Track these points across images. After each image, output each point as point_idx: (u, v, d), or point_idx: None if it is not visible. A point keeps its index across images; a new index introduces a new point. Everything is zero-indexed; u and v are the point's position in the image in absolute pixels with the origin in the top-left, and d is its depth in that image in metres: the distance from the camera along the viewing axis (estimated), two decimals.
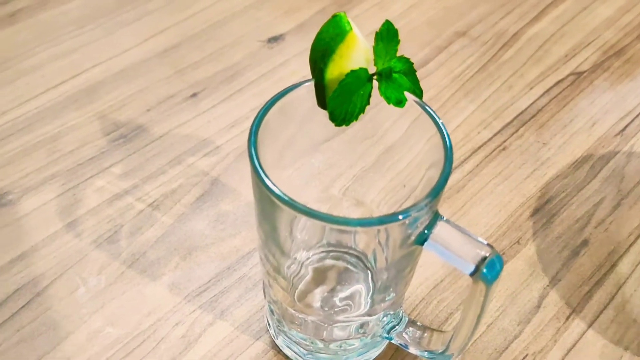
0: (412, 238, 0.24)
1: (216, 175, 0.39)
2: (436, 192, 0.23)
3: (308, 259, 0.31)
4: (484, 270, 0.23)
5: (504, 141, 0.41)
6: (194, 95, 0.43)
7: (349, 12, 0.49)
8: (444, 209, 0.37)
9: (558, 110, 0.43)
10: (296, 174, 0.31)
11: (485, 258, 0.23)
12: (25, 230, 0.36)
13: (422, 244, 0.24)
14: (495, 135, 0.42)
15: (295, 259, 0.30)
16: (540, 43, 0.48)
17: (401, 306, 0.30)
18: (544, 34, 0.48)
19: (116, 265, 0.35)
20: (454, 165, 0.40)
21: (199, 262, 0.35)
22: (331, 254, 0.32)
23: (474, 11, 0.50)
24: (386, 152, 0.31)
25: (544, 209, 0.38)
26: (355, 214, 0.33)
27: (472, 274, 0.23)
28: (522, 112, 0.43)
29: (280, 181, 0.26)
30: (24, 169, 0.39)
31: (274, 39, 0.47)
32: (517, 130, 0.42)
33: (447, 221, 0.24)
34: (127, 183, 0.38)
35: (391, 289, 0.27)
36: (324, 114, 0.27)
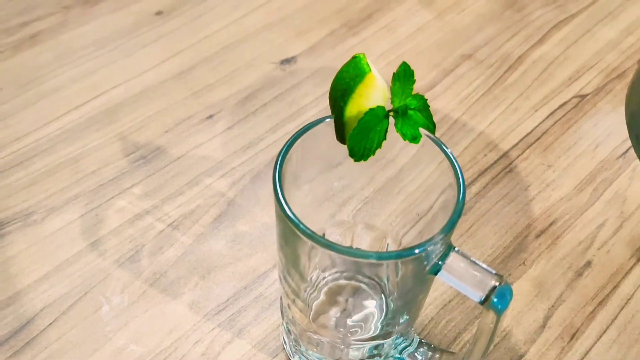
0: (427, 269, 0.25)
1: (232, 197, 0.40)
2: (450, 226, 0.25)
3: (324, 279, 0.32)
4: (494, 300, 0.25)
5: (510, 163, 0.43)
6: (210, 117, 0.44)
7: (358, 34, 0.50)
8: None
9: (562, 132, 0.45)
10: (309, 195, 0.32)
11: (495, 287, 0.25)
12: (50, 250, 0.37)
13: (435, 274, 0.25)
14: (501, 157, 0.43)
15: (311, 280, 0.31)
16: (544, 66, 0.49)
17: (413, 327, 0.31)
18: (548, 57, 0.50)
19: (138, 284, 0.36)
20: None
21: (218, 282, 0.36)
22: (344, 274, 0.33)
23: (479, 34, 0.51)
24: (396, 176, 0.32)
25: (548, 231, 0.39)
26: (367, 237, 0.34)
27: (482, 303, 0.25)
28: (527, 135, 0.44)
29: (295, 202, 0.28)
30: (48, 190, 0.40)
31: (286, 61, 0.48)
32: (522, 153, 0.43)
33: (459, 252, 0.26)
34: (147, 203, 0.40)
35: (405, 313, 0.29)
36: (338, 143, 0.28)
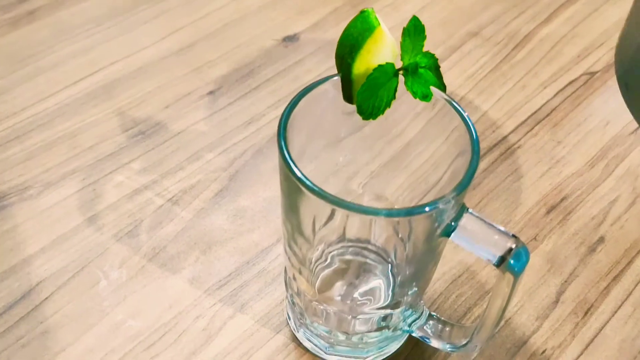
0: (439, 231, 0.24)
1: (234, 172, 0.39)
2: (464, 185, 0.24)
3: (330, 253, 0.31)
4: (511, 262, 0.23)
5: (519, 140, 0.42)
6: (211, 93, 0.43)
7: None
8: None
9: (572, 109, 0.44)
10: (317, 169, 0.31)
11: (511, 249, 0.24)
12: (47, 224, 0.36)
13: (448, 235, 0.24)
14: (510, 133, 0.42)
15: (319, 250, 0.30)
16: (552, 44, 0.48)
17: (422, 300, 0.30)
18: (555, 35, 0.49)
19: (137, 259, 0.35)
20: None
21: (219, 257, 0.35)
22: (350, 249, 0.32)
23: (486, 12, 0.50)
24: (407, 146, 0.31)
25: (559, 207, 0.38)
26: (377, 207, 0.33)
27: (498, 265, 0.24)
28: (536, 112, 0.43)
29: (299, 159, 0.27)
30: (45, 164, 0.39)
31: (288, 38, 0.47)
32: (531, 129, 0.42)
33: (473, 213, 0.25)
34: (146, 178, 0.38)
35: (414, 284, 0.28)
36: (344, 110, 0.27)
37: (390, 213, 0.23)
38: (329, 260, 0.31)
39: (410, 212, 0.23)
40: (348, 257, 0.32)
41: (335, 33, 0.47)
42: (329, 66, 0.45)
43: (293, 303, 0.31)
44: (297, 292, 0.29)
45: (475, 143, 0.25)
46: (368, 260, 0.32)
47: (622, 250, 0.36)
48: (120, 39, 0.46)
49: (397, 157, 0.31)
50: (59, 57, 0.45)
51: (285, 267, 0.30)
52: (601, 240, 0.37)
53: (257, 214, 0.37)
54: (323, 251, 0.30)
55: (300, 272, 0.28)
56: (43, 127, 0.41)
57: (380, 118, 0.26)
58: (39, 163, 0.39)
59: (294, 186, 0.24)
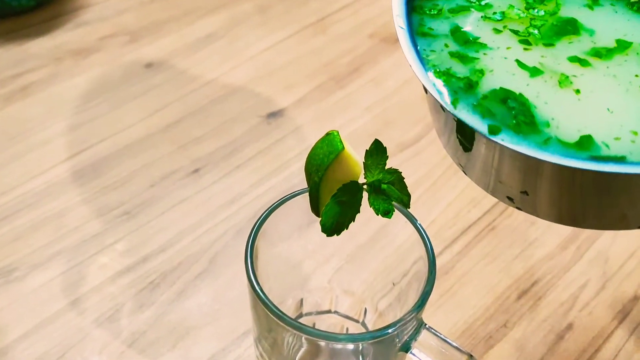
0: (398, 346, 0.25)
1: (214, 253, 0.40)
2: (420, 305, 0.25)
3: (297, 351, 0.32)
4: None
5: (493, 220, 0.43)
6: (196, 171, 0.45)
7: (344, 87, 0.51)
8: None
9: None
10: (286, 258, 0.32)
11: None
12: (31, 307, 0.37)
13: (406, 351, 0.25)
14: (484, 214, 0.43)
15: (285, 350, 0.31)
16: None
17: None
18: None
19: (117, 344, 0.36)
20: (444, 245, 0.41)
21: (196, 342, 0.36)
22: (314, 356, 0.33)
23: None
24: (369, 244, 0.32)
25: (530, 291, 0.39)
26: (345, 303, 0.34)
27: None
28: None
29: (271, 264, 0.28)
30: (32, 245, 0.40)
31: (272, 115, 0.49)
32: (506, 209, 0.44)
33: (430, 329, 0.26)
34: (129, 260, 0.40)
35: None
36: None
37: (353, 338, 0.24)
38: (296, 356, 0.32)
39: (374, 336, 0.24)
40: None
41: (318, 109, 0.49)
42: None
43: None
44: None
45: (431, 264, 0.26)
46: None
47: (590, 337, 0.37)
48: (109, 115, 0.48)
49: (363, 251, 0.33)
50: (49, 134, 0.46)
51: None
52: (569, 327, 0.38)
53: (235, 298, 0.38)
54: (290, 350, 0.31)
55: None
56: (31, 207, 0.42)
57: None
58: (26, 244, 0.40)
59: (260, 307, 0.25)
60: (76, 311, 0.37)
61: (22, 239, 0.40)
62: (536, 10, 0.24)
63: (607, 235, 0.42)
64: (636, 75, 0.21)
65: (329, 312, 0.34)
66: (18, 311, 0.37)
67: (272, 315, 0.24)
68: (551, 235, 0.42)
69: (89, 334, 0.36)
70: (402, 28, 0.23)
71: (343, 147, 0.26)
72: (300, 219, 0.30)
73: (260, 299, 0.24)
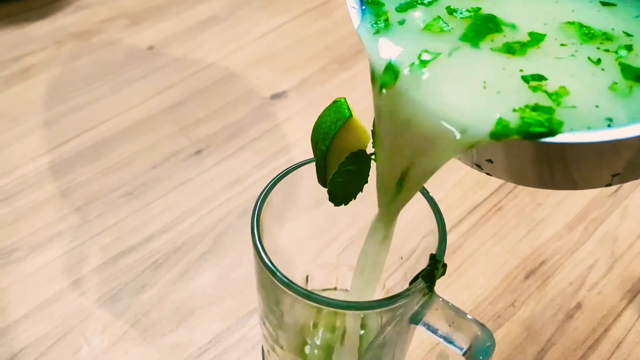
0: (407, 317, 0.25)
1: (218, 234, 0.40)
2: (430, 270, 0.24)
3: (302, 334, 0.32)
4: (475, 351, 0.24)
5: (500, 201, 0.42)
6: (198, 152, 0.44)
7: (348, 69, 0.50)
8: None
9: None
10: (294, 234, 0.32)
11: (477, 338, 0.24)
12: (32, 288, 0.37)
13: (417, 322, 0.25)
14: (491, 195, 0.43)
15: (291, 327, 0.31)
16: None
17: None
18: None
19: (119, 324, 0.35)
20: (451, 224, 0.41)
21: (200, 322, 0.36)
22: (321, 331, 0.32)
23: None
24: None
25: (538, 271, 0.39)
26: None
27: (464, 354, 0.24)
28: None
29: (279, 241, 0.27)
30: (33, 225, 0.40)
31: (276, 96, 0.48)
32: (512, 190, 0.43)
33: (442, 299, 0.25)
34: (131, 241, 0.39)
35: None
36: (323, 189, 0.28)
37: (360, 306, 0.24)
38: (300, 341, 0.31)
39: (381, 304, 0.24)
40: (319, 339, 0.32)
41: (322, 91, 0.49)
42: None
43: None
44: None
45: (441, 234, 0.25)
46: (338, 344, 0.32)
47: (599, 317, 0.37)
48: (111, 97, 0.47)
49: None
50: (50, 115, 0.46)
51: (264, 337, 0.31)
52: (578, 306, 0.37)
53: (240, 278, 0.38)
54: (295, 332, 0.31)
55: (273, 349, 0.29)
56: (32, 188, 0.42)
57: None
58: (27, 225, 0.40)
59: (266, 276, 0.24)
60: (78, 291, 0.37)
61: (23, 219, 0.40)
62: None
63: (615, 216, 0.42)
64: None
65: (335, 289, 0.33)
66: (19, 292, 0.37)
67: (278, 283, 0.23)
68: (558, 216, 0.42)
69: (90, 314, 0.36)
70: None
71: (351, 114, 0.26)
72: (307, 191, 0.29)
73: (266, 266, 0.24)
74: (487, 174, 0.21)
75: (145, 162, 0.43)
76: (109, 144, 0.44)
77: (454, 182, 0.43)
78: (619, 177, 0.19)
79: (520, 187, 0.43)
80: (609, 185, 0.19)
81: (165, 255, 0.39)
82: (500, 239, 0.40)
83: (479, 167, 0.21)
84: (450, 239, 0.40)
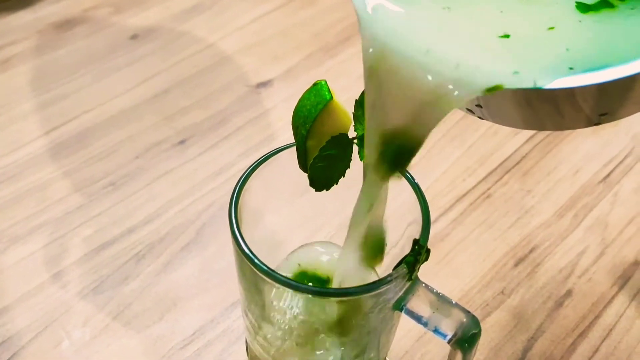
0: (390, 303, 0.24)
1: (202, 224, 0.39)
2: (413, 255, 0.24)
3: (285, 323, 0.31)
4: (461, 338, 0.23)
5: (489, 188, 0.42)
6: (182, 142, 0.43)
7: (335, 57, 0.50)
8: None
9: (542, 156, 0.44)
10: (280, 221, 0.31)
11: (462, 325, 0.24)
12: (12, 282, 0.36)
13: (400, 309, 0.24)
14: (479, 182, 0.42)
15: (273, 318, 0.30)
16: None
17: None
18: None
19: (101, 317, 0.35)
20: (439, 212, 0.40)
21: (184, 314, 0.35)
22: (304, 320, 0.32)
23: None
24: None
25: (528, 258, 0.38)
26: None
27: (449, 341, 0.24)
28: (506, 159, 0.44)
29: (264, 230, 0.27)
30: (13, 217, 0.39)
31: (262, 84, 0.47)
32: (501, 178, 0.43)
33: (426, 286, 0.24)
34: (114, 232, 0.38)
35: (371, 354, 0.28)
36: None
37: (342, 293, 0.23)
38: (283, 331, 0.30)
39: (364, 290, 0.23)
40: (302, 328, 0.32)
41: (308, 79, 0.48)
42: None
43: None
44: (255, 358, 0.29)
45: (425, 220, 0.25)
46: (322, 334, 0.31)
47: (589, 304, 0.36)
48: (93, 87, 0.46)
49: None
50: (32, 106, 0.45)
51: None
52: (568, 293, 0.37)
53: (224, 269, 0.37)
54: (277, 321, 0.30)
55: (256, 339, 0.28)
56: (13, 179, 0.41)
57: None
58: (7, 217, 0.39)
59: (245, 264, 0.24)
60: (59, 284, 0.36)
61: (4, 211, 0.39)
62: None
63: (606, 202, 0.41)
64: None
65: (307, 285, 0.33)
66: None
67: (258, 272, 0.23)
68: (548, 202, 0.41)
69: (72, 307, 0.35)
70: None
71: (332, 97, 0.25)
72: (290, 178, 0.28)
73: (244, 254, 0.23)
74: (479, 117, 0.21)
75: (129, 152, 0.43)
76: (91, 134, 0.44)
77: (443, 170, 0.43)
78: (607, 116, 0.18)
79: (509, 174, 0.43)
80: (597, 124, 0.19)
81: (149, 246, 0.38)
82: (489, 227, 0.40)
83: (470, 111, 0.21)
84: (438, 227, 0.39)
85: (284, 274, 0.23)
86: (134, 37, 0.50)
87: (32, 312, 0.35)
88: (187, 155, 0.43)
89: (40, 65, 0.48)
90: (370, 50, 0.19)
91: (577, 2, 0.19)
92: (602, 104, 0.18)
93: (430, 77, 0.18)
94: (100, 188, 0.41)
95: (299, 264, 0.30)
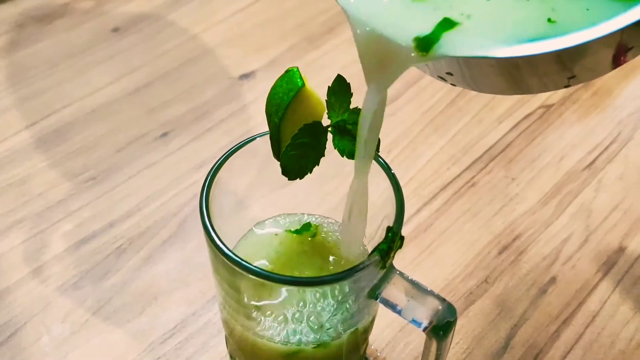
0: (365, 292, 0.24)
1: (183, 218, 0.39)
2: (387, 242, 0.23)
3: (263, 318, 0.31)
4: (436, 325, 0.23)
5: (473, 177, 0.42)
6: (164, 134, 0.43)
7: (319, 47, 0.49)
8: (410, 247, 0.37)
9: (527, 144, 0.44)
10: (245, 212, 0.31)
11: (437, 313, 0.23)
12: None
13: (375, 298, 0.24)
14: (464, 171, 0.42)
15: (249, 316, 0.30)
16: None
17: (365, 355, 0.30)
18: None
19: (81, 312, 0.34)
20: (423, 202, 0.40)
21: (165, 308, 0.35)
22: (281, 311, 0.31)
23: None
24: (343, 198, 0.31)
25: (512, 246, 0.38)
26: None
27: (424, 329, 0.23)
28: (491, 147, 0.43)
29: (229, 216, 0.26)
30: None
31: (244, 76, 0.47)
32: (486, 166, 0.42)
33: (401, 274, 0.24)
34: (94, 226, 0.38)
35: (352, 345, 0.27)
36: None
37: (315, 281, 0.23)
38: (261, 327, 0.30)
39: (336, 278, 0.23)
40: (279, 322, 0.31)
41: None
42: None
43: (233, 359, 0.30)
44: (232, 351, 0.29)
45: (398, 208, 0.24)
46: (301, 326, 0.31)
47: (573, 290, 0.36)
48: (74, 80, 0.46)
49: (336, 206, 0.31)
50: (12, 101, 0.44)
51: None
52: (552, 281, 0.37)
53: (206, 262, 0.36)
54: (255, 314, 0.30)
55: (231, 335, 0.28)
56: None
57: (317, 168, 0.25)
58: None
59: (215, 254, 0.23)
60: (38, 279, 0.36)
61: None
62: None
63: (590, 190, 0.41)
64: None
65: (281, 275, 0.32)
66: None
67: (230, 263, 0.22)
68: (532, 190, 0.41)
69: (51, 302, 0.35)
70: None
71: (303, 84, 0.25)
72: (261, 167, 0.28)
73: (215, 246, 0.23)
74: (452, 84, 0.22)
75: (110, 146, 0.42)
76: (72, 128, 0.43)
77: (427, 159, 0.42)
78: (575, 79, 0.19)
79: (494, 162, 0.42)
80: (567, 86, 0.19)
81: (129, 240, 0.37)
82: (473, 215, 0.39)
83: (442, 79, 0.22)
84: (422, 216, 0.39)
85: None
86: (115, 30, 0.50)
87: (11, 308, 0.34)
88: (169, 148, 0.42)
89: (20, 59, 0.47)
90: (358, 31, 0.22)
91: None
92: (563, 68, 0.18)
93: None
94: (81, 182, 0.40)
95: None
